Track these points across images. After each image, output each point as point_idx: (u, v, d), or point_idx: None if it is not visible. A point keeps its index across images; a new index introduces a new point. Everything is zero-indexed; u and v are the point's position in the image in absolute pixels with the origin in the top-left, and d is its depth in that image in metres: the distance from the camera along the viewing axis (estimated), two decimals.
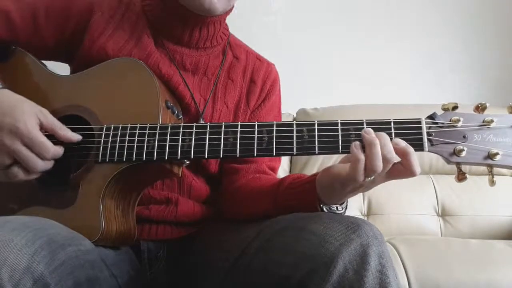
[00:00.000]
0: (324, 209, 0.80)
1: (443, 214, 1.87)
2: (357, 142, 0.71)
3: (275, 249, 0.74)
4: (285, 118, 1.31)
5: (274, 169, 1.05)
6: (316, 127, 0.75)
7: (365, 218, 1.85)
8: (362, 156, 0.70)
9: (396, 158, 0.70)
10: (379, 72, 2.28)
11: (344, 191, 0.74)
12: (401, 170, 0.71)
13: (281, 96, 1.12)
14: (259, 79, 1.05)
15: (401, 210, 1.85)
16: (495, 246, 1.52)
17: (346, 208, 0.82)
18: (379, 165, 0.69)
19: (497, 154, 0.70)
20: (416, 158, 0.70)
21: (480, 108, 0.74)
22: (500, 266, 1.37)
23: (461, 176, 0.74)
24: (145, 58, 0.95)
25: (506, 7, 2.31)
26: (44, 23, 0.96)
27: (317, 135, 0.75)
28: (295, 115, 2.12)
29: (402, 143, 0.70)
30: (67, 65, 1.03)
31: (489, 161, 0.71)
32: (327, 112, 2.05)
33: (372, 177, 0.71)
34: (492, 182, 0.72)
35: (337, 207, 0.81)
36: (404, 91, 2.27)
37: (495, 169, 0.74)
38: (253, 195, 0.93)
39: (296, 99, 2.06)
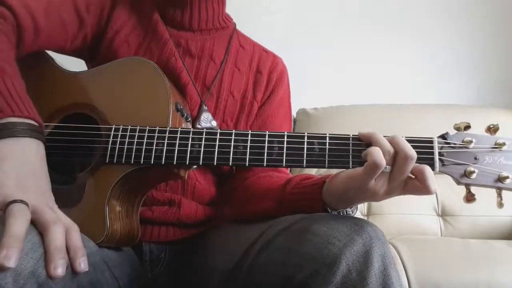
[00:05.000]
0: (333, 212, 0.80)
1: (443, 214, 1.87)
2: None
3: (277, 250, 0.74)
4: None
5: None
6: (327, 140, 0.75)
7: (365, 218, 1.85)
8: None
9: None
10: (379, 72, 2.28)
11: (356, 198, 0.74)
12: (418, 186, 0.70)
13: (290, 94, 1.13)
14: (265, 70, 1.05)
15: (401, 210, 1.84)
16: (495, 246, 1.52)
17: (356, 208, 0.82)
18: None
19: (507, 177, 0.70)
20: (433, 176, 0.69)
21: (492, 129, 0.73)
22: (500, 266, 1.38)
23: (470, 197, 0.74)
24: (162, 48, 0.98)
25: (507, 7, 2.31)
26: (86, 15, 0.96)
27: (328, 148, 0.74)
28: (295, 115, 2.12)
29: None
30: (74, 60, 1.03)
31: (499, 184, 0.71)
32: (327, 112, 2.05)
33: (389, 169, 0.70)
34: (501, 205, 0.72)
35: (346, 211, 0.80)
36: (404, 91, 2.27)
37: None
38: (260, 193, 0.94)
39: (296, 99, 2.05)
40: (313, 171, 1.90)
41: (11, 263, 0.54)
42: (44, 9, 0.89)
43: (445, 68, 2.31)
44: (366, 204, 1.90)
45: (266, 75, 1.05)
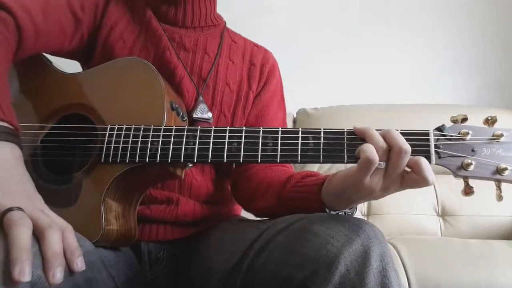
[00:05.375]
0: (332, 213, 0.80)
1: (443, 214, 1.88)
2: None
3: (277, 250, 0.73)
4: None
5: None
6: (322, 135, 0.74)
7: (365, 218, 1.85)
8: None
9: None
10: (379, 72, 2.29)
11: (354, 197, 0.74)
12: (415, 178, 0.69)
13: (283, 87, 1.14)
14: (258, 62, 1.08)
15: (401, 210, 1.85)
16: (495, 246, 1.52)
17: (356, 209, 0.82)
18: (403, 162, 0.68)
19: (505, 169, 0.69)
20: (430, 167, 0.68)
21: (490, 121, 0.72)
22: (500, 266, 1.38)
23: (468, 190, 0.72)
24: (157, 43, 0.99)
25: (507, 7, 2.31)
26: (81, 15, 0.97)
27: (323, 143, 0.74)
28: (295, 115, 2.13)
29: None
30: (70, 63, 1.03)
31: (498, 176, 0.69)
32: (327, 112, 2.06)
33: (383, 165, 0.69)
34: (500, 197, 0.71)
35: (345, 212, 0.80)
36: (404, 91, 2.28)
37: None
38: (261, 190, 0.94)
39: (296, 99, 2.06)
40: (315, 167, 1.90)
41: (26, 277, 0.54)
42: (42, 11, 0.89)
43: (445, 68, 2.31)
44: (366, 204, 1.91)
45: (259, 67, 1.08)
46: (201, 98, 0.99)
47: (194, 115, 0.96)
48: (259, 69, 1.07)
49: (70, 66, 1.01)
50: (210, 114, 0.98)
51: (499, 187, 0.71)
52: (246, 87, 1.05)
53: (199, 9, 1.03)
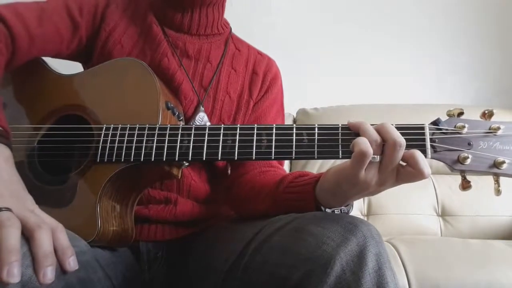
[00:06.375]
0: (328, 211, 0.79)
1: (443, 214, 1.87)
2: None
3: (272, 250, 0.73)
4: (285, 118, 1.31)
5: (280, 162, 1.06)
6: (316, 131, 0.74)
7: (365, 218, 1.85)
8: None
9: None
10: (379, 72, 2.28)
11: (350, 192, 0.73)
12: (410, 172, 0.69)
13: (283, 96, 1.13)
14: (260, 71, 1.07)
15: (401, 210, 1.84)
16: (495, 246, 1.51)
17: (352, 206, 0.81)
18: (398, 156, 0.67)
19: (503, 162, 0.68)
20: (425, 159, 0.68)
21: (487, 115, 0.72)
22: (500, 266, 1.37)
23: (465, 184, 0.71)
24: (155, 48, 0.98)
25: (507, 7, 2.30)
26: (79, 19, 0.97)
27: (317, 139, 0.73)
28: (295, 115, 2.13)
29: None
30: (69, 64, 1.03)
31: (495, 170, 0.68)
32: (327, 112, 2.06)
33: (377, 158, 0.69)
34: (498, 192, 0.69)
35: (341, 210, 0.79)
36: (404, 91, 2.27)
37: None
38: (255, 192, 0.94)
39: (296, 99, 2.06)
40: (316, 166, 1.89)
41: (16, 279, 0.54)
42: (37, 17, 0.90)
43: (444, 68, 2.31)
44: (366, 204, 1.90)
45: (262, 76, 1.07)
46: (202, 107, 0.98)
47: (191, 125, 0.95)
48: (261, 78, 1.06)
49: (71, 66, 1.01)
50: (208, 124, 0.98)
51: (497, 181, 0.70)
52: (247, 96, 1.04)
53: (206, 17, 1.02)
